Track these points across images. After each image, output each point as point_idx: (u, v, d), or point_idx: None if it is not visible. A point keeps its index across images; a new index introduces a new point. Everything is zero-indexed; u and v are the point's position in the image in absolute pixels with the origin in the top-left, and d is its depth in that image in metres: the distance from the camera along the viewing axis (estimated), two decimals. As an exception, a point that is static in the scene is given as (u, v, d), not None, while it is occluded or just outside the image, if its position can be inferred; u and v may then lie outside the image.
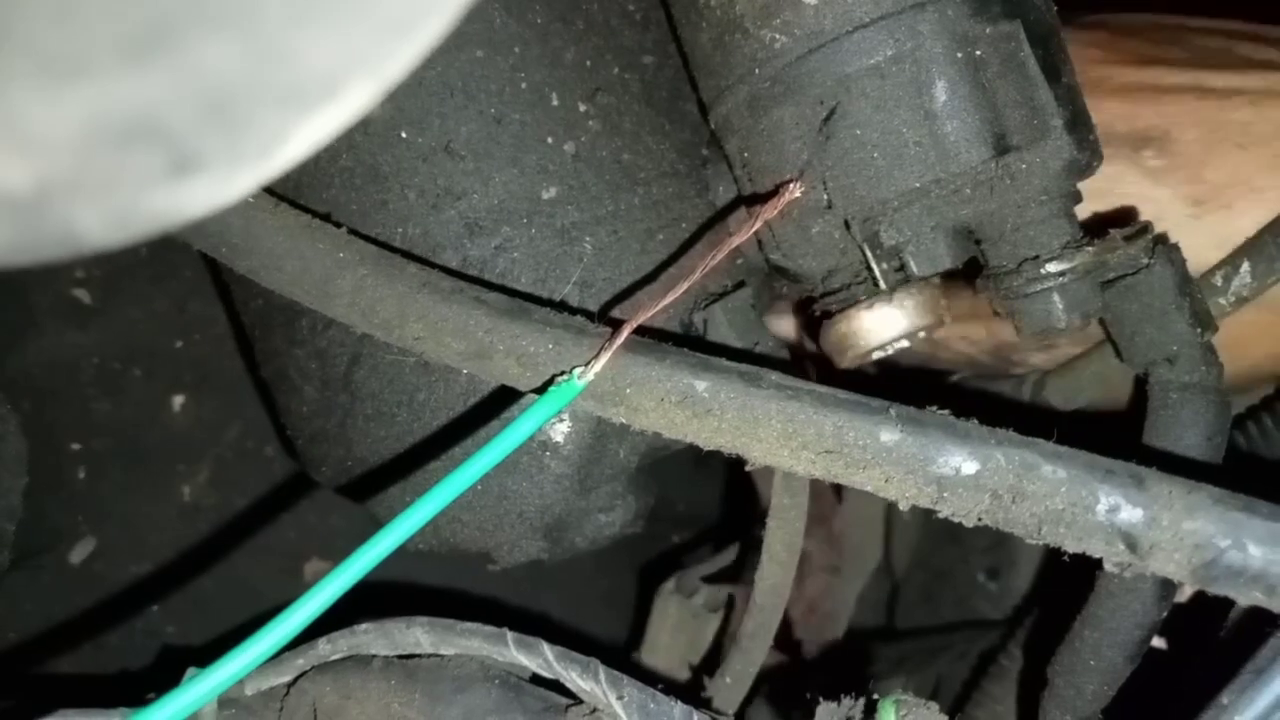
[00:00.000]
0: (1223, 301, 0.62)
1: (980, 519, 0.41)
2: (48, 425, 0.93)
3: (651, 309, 0.47)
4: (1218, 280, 0.62)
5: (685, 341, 0.49)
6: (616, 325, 0.47)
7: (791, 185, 0.55)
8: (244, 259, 0.56)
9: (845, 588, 1.01)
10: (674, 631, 0.89)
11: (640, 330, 0.47)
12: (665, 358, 0.46)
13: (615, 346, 0.46)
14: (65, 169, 0.22)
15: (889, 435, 0.42)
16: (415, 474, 0.64)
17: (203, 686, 0.38)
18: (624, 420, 0.47)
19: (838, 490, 1.01)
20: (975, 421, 0.42)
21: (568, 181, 0.62)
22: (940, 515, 0.42)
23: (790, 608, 0.91)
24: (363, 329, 0.53)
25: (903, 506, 0.43)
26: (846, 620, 1.01)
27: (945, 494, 0.41)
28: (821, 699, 0.49)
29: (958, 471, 0.41)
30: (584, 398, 0.47)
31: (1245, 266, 0.62)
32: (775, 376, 0.45)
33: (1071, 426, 0.44)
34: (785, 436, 0.43)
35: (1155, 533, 0.38)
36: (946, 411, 0.43)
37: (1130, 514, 0.39)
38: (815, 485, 0.67)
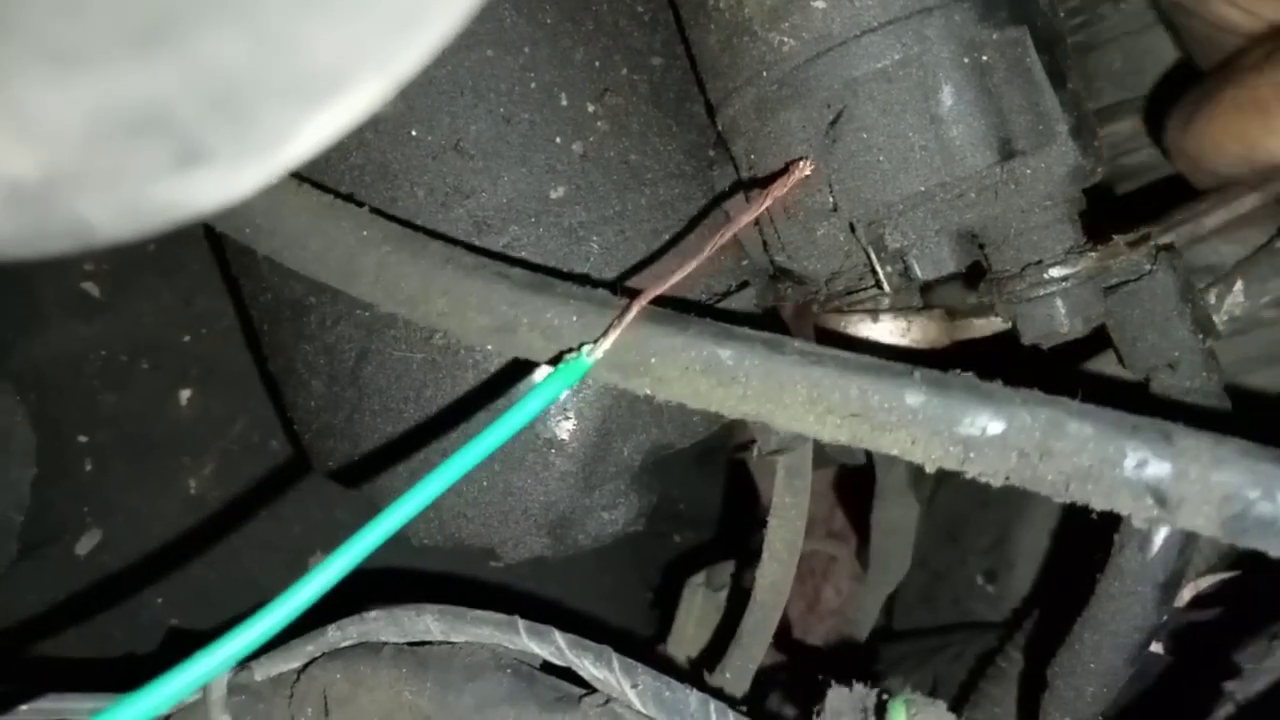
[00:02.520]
0: (1217, 319, 0.62)
1: (1007, 478, 0.41)
2: (55, 418, 0.93)
3: (663, 283, 0.47)
4: (1211, 299, 0.62)
5: (705, 311, 0.49)
6: (634, 297, 0.47)
7: (802, 163, 0.54)
8: (267, 240, 0.56)
9: (869, 596, 1.01)
10: (700, 624, 0.90)
11: (659, 303, 0.47)
12: (688, 327, 0.46)
13: (625, 324, 0.46)
14: (72, 160, 0.22)
15: (914, 397, 0.41)
16: (421, 468, 0.65)
17: (200, 667, 0.38)
18: (648, 391, 0.46)
19: (868, 500, 1.01)
20: (999, 383, 0.42)
21: (575, 181, 0.62)
22: (968, 476, 0.42)
23: (790, 606, 0.91)
24: (387, 307, 0.53)
25: (929, 469, 0.42)
26: (869, 627, 1.01)
27: (972, 454, 0.41)
28: (833, 682, 0.49)
29: (984, 431, 0.40)
30: (607, 369, 0.47)
31: (1239, 285, 0.62)
32: (798, 343, 0.45)
33: (1095, 389, 0.44)
34: (810, 402, 0.43)
35: (1184, 486, 0.38)
36: (971, 374, 0.43)
37: (1158, 468, 0.38)
38: (844, 495, 0.67)
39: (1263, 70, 0.61)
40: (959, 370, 0.43)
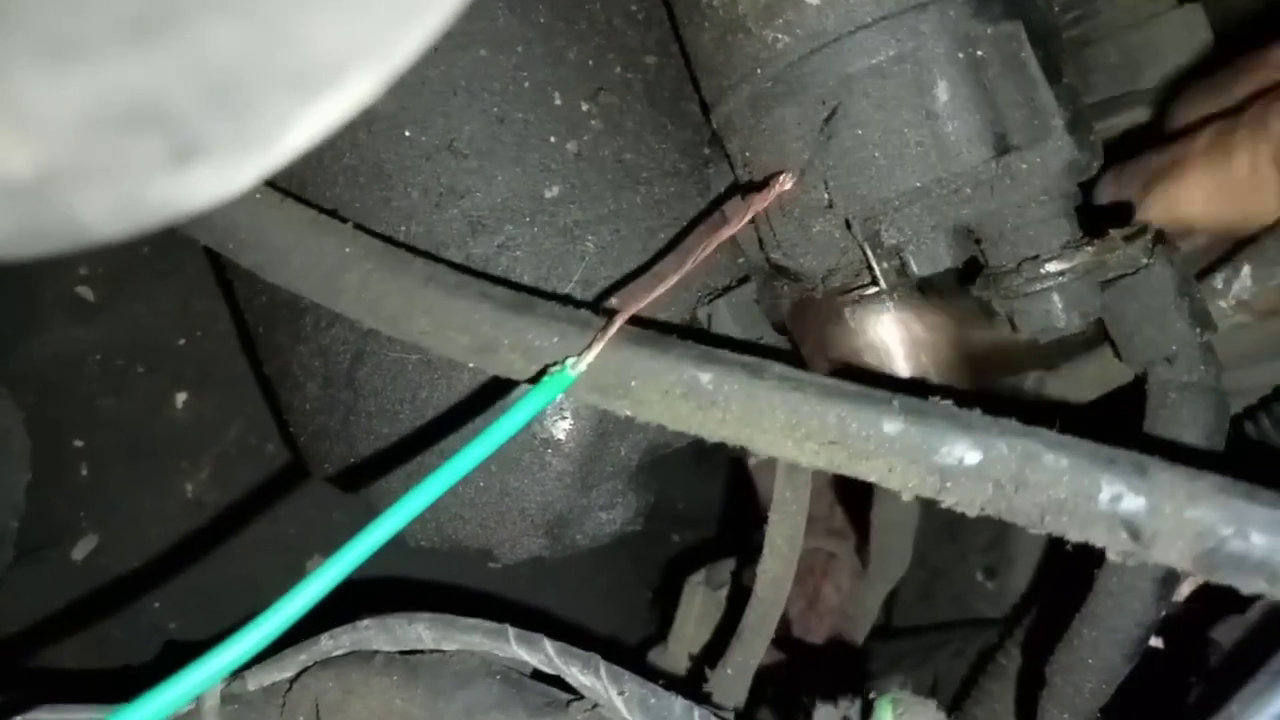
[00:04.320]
0: (1224, 304, 0.62)
1: (983, 509, 0.41)
2: (51, 421, 0.93)
3: (644, 299, 0.48)
4: (1218, 283, 0.62)
5: (689, 333, 0.49)
6: (614, 315, 0.48)
7: (783, 177, 0.55)
8: (250, 253, 0.56)
9: (869, 593, 1.01)
10: (699, 623, 0.90)
11: (644, 323, 0.47)
12: (670, 350, 0.46)
13: (607, 337, 0.46)
14: (67, 155, 0.22)
15: (892, 425, 0.41)
16: (417, 470, 0.65)
17: (194, 678, 0.37)
18: (629, 412, 0.47)
19: (868, 497, 1.01)
20: (978, 412, 0.42)
21: (570, 180, 0.62)
22: (943, 505, 0.42)
23: (790, 605, 0.91)
24: (369, 324, 0.53)
25: (905, 497, 0.42)
26: (869, 625, 1.01)
27: (948, 484, 0.41)
28: (819, 700, 0.49)
29: (961, 461, 0.41)
30: (588, 390, 0.47)
31: (1246, 269, 0.62)
32: (779, 368, 0.45)
33: (1073, 418, 0.44)
34: (789, 428, 0.43)
35: (1158, 521, 0.38)
36: (949, 402, 0.43)
37: (1133, 502, 0.38)
38: (843, 492, 0.67)
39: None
40: (938, 398, 0.43)
